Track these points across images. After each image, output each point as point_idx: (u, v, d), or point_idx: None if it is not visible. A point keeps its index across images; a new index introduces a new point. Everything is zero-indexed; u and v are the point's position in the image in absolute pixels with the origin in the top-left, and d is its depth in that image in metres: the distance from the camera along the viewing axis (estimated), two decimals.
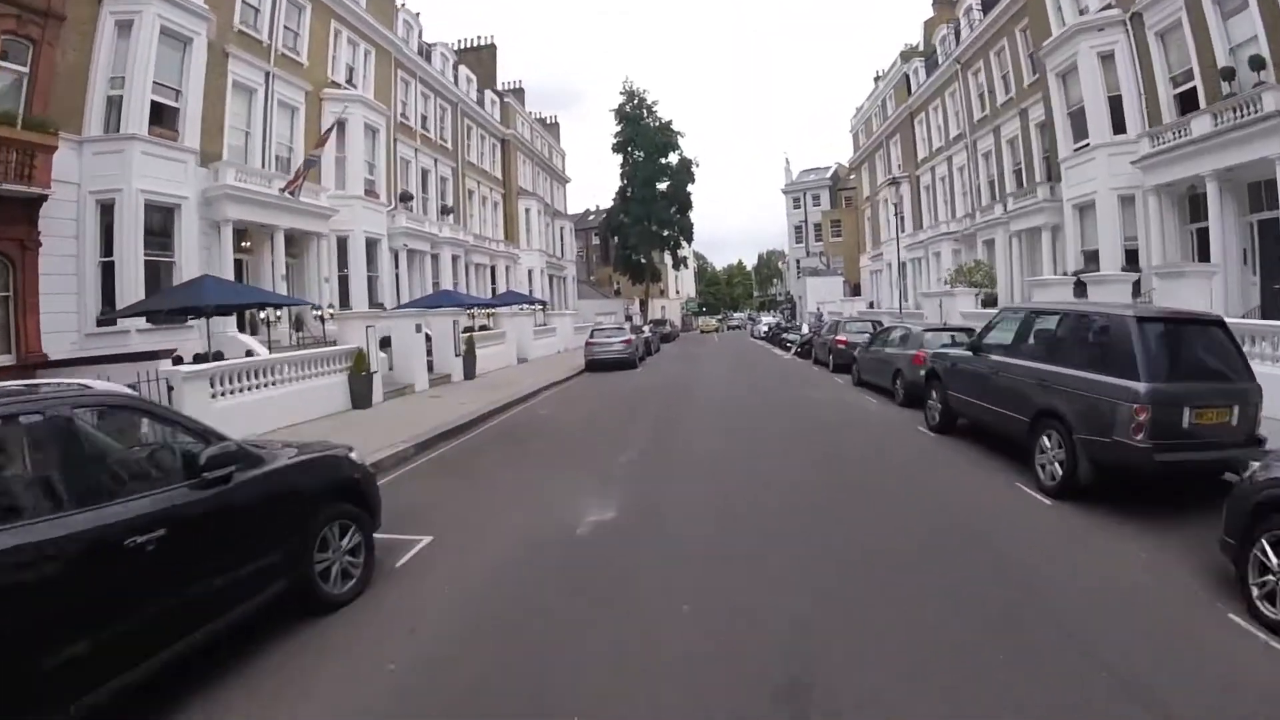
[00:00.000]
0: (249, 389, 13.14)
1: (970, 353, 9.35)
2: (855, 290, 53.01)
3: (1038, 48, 25.16)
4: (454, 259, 33.61)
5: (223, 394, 12.49)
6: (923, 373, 11.91)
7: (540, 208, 46.10)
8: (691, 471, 8.78)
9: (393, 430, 12.07)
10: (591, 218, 57.70)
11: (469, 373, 21.04)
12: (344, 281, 25.73)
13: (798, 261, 62.85)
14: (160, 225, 19.02)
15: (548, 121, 57.77)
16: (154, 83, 18.00)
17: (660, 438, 11.09)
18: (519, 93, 50.02)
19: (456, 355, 20.56)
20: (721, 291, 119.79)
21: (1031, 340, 8.18)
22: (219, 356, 16.20)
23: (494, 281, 38.81)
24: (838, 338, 20.29)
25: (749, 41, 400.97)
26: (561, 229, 53.76)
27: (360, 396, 15.51)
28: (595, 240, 73.26)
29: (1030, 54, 27.59)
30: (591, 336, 24.23)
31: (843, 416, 12.70)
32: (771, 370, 22.96)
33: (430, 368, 20.29)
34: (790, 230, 64.72)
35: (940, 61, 35.93)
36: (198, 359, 14.81)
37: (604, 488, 8.05)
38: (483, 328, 27.76)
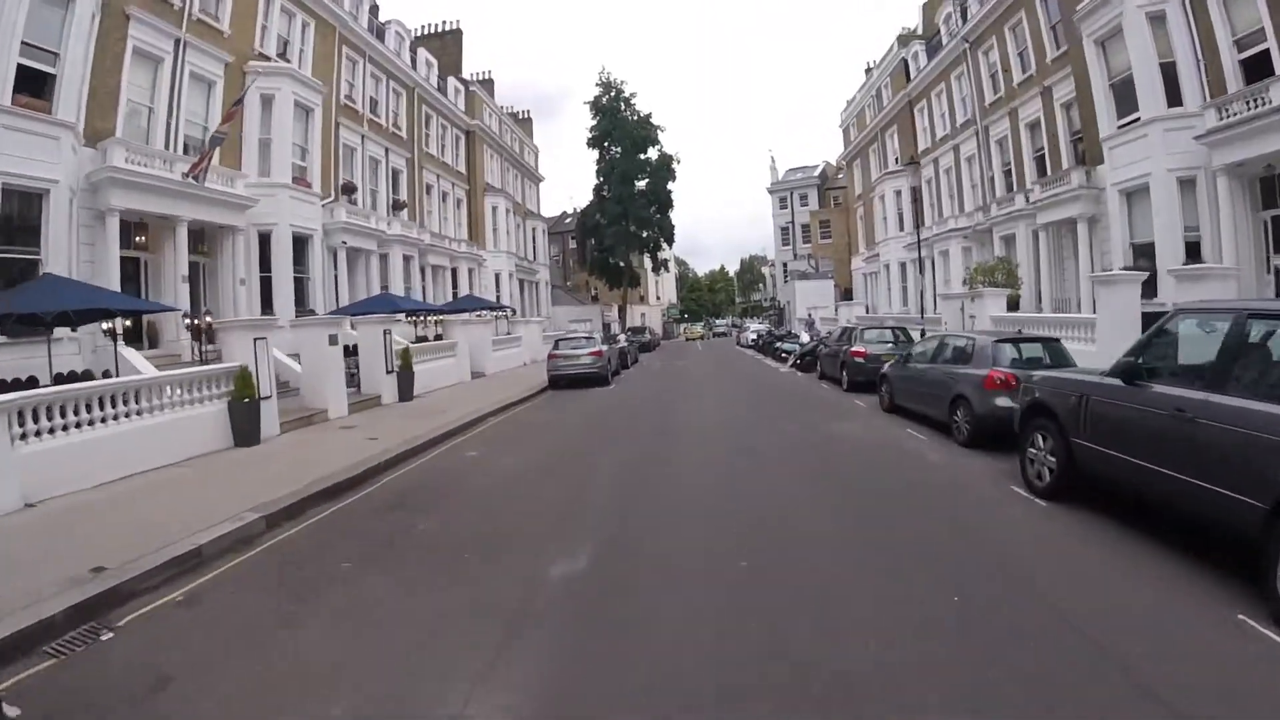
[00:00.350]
0: (83, 425, 9.47)
1: (1121, 380, 5.85)
2: (846, 294, 49.86)
3: (1067, 15, 22.02)
4: (406, 260, 29.88)
5: (39, 434, 8.86)
6: (1007, 402, 8.48)
7: (509, 206, 42.45)
8: (678, 609, 4.74)
9: (260, 484, 8.50)
10: (569, 220, 53.98)
11: (405, 393, 17.38)
12: (266, 284, 21.97)
13: (784, 265, 59.66)
14: (22, 214, 15.35)
15: (520, 116, 54.22)
16: (23, 43, 14.62)
17: (628, 513, 7.31)
18: (488, 84, 46.45)
19: (389, 372, 16.86)
20: (704, 297, 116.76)
21: None
22: (88, 376, 12.61)
23: (455, 285, 35.07)
24: (853, 349, 16.76)
25: (725, 43, 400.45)
26: (534, 230, 50.14)
27: (244, 431, 11.81)
28: (572, 244, 69.60)
29: (1054, 25, 24.49)
30: (556, 347, 20.67)
31: (895, 470, 8.79)
32: (773, 388, 19.20)
33: (357, 387, 16.61)
34: (776, 232, 61.56)
35: (944, 42, 32.83)
36: (60, 380, 11.33)
37: (500, 665, 4.03)
38: (437, 337, 24.10)
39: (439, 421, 13.58)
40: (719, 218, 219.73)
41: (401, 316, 23.77)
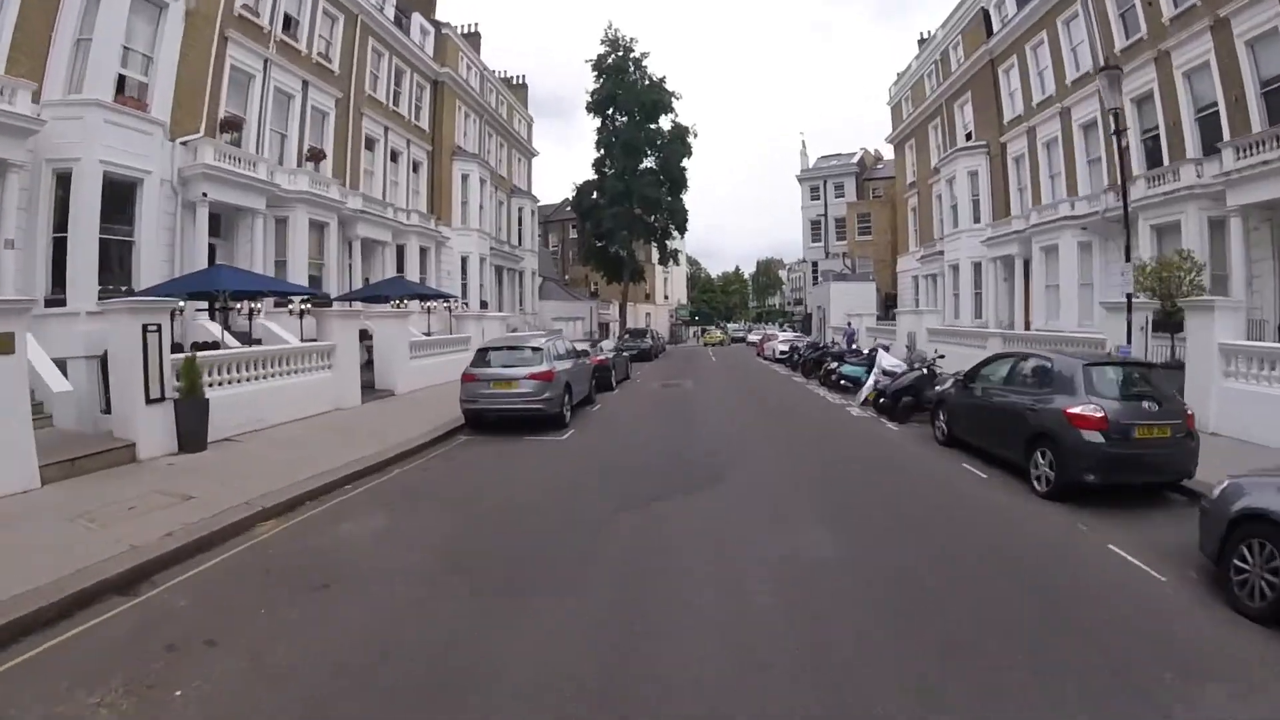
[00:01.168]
0: None
1: None
2: (889, 300, 41.96)
3: None
4: (318, 227, 22.26)
5: None
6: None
7: (486, 176, 34.78)
8: None
9: None
10: (570, 208, 46.27)
11: (192, 435, 9.75)
12: (60, 246, 14.50)
13: (814, 264, 51.74)
14: None
15: (514, 81, 46.52)
16: None
17: None
18: (473, 37, 38.91)
19: (152, 400, 9.24)
20: (716, 299, 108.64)
21: None
22: None
23: (402, 267, 27.42)
24: (1077, 409, 7.87)
25: (735, 34, 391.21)
26: (520, 210, 42.49)
27: None
28: (573, 233, 61.69)
29: None
30: (479, 361, 12.80)
31: None
32: (881, 476, 9.27)
33: (106, 408, 9.03)
34: (805, 225, 53.64)
35: None
36: None
37: None
38: (364, 334, 16.35)
39: (161, 523, 5.94)
40: (732, 220, 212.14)
41: (258, 304, 16.20)
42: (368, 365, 16.38)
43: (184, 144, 17.81)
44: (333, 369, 13.84)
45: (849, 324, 31.93)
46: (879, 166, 55.76)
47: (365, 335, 16.20)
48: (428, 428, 11.86)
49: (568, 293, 51.60)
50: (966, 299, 29.21)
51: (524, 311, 41.18)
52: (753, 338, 59.07)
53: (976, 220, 29.93)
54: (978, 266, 29.40)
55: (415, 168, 30.43)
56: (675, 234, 45.02)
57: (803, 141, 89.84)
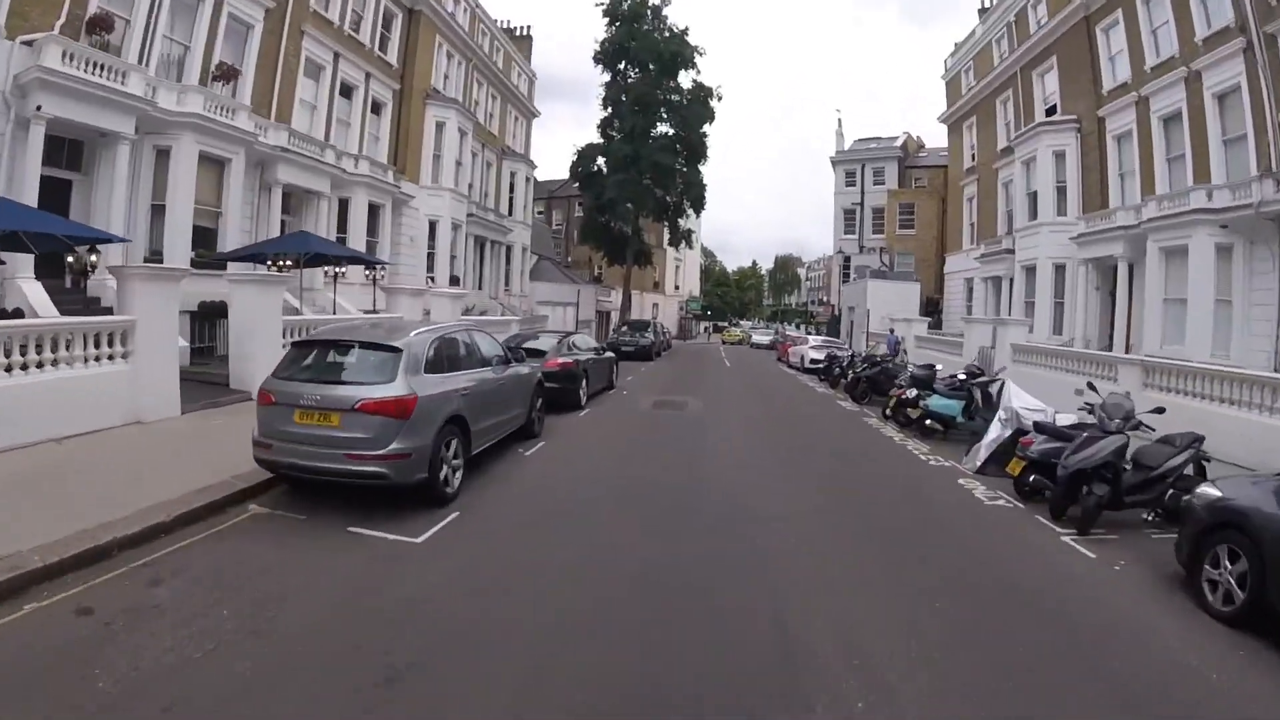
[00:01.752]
0: None
1: None
2: (930, 305, 36.89)
3: None
4: (220, 164, 17.38)
5: None
6: None
7: (468, 129, 29.84)
8: None
9: None
10: (569, 176, 41.06)
11: None
12: None
13: (845, 259, 46.60)
14: None
15: (517, 33, 41.42)
16: None
17: None
18: None
19: None
20: (731, 294, 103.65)
21: None
22: None
23: (345, 227, 22.55)
24: None
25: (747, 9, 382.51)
26: (513, 175, 37.54)
27: None
28: (579, 211, 56.48)
29: None
30: (286, 368, 7.35)
31: None
32: None
33: None
34: (838, 214, 48.36)
35: None
36: None
37: None
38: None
39: None
40: (745, 216, 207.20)
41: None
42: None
43: (26, 44, 13.10)
44: (130, 360, 8.95)
45: (892, 331, 26.91)
46: (921, 154, 50.47)
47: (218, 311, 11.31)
48: (210, 479, 6.93)
49: (565, 274, 46.68)
50: (1044, 309, 24.09)
51: (509, 292, 36.29)
52: (759, 338, 54.14)
53: (1061, 212, 24.80)
54: (1060, 269, 24.32)
55: (376, 108, 25.51)
56: (690, 211, 40.00)
57: (839, 120, 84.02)
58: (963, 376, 11.47)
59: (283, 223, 20.13)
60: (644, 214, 37.95)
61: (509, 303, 34.78)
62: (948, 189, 39.64)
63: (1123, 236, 21.12)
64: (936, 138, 46.52)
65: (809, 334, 36.44)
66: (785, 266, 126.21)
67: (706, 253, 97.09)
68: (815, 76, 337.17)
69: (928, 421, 11.02)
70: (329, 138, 22.53)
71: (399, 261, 25.70)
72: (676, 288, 69.51)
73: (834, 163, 49.48)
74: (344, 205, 22.56)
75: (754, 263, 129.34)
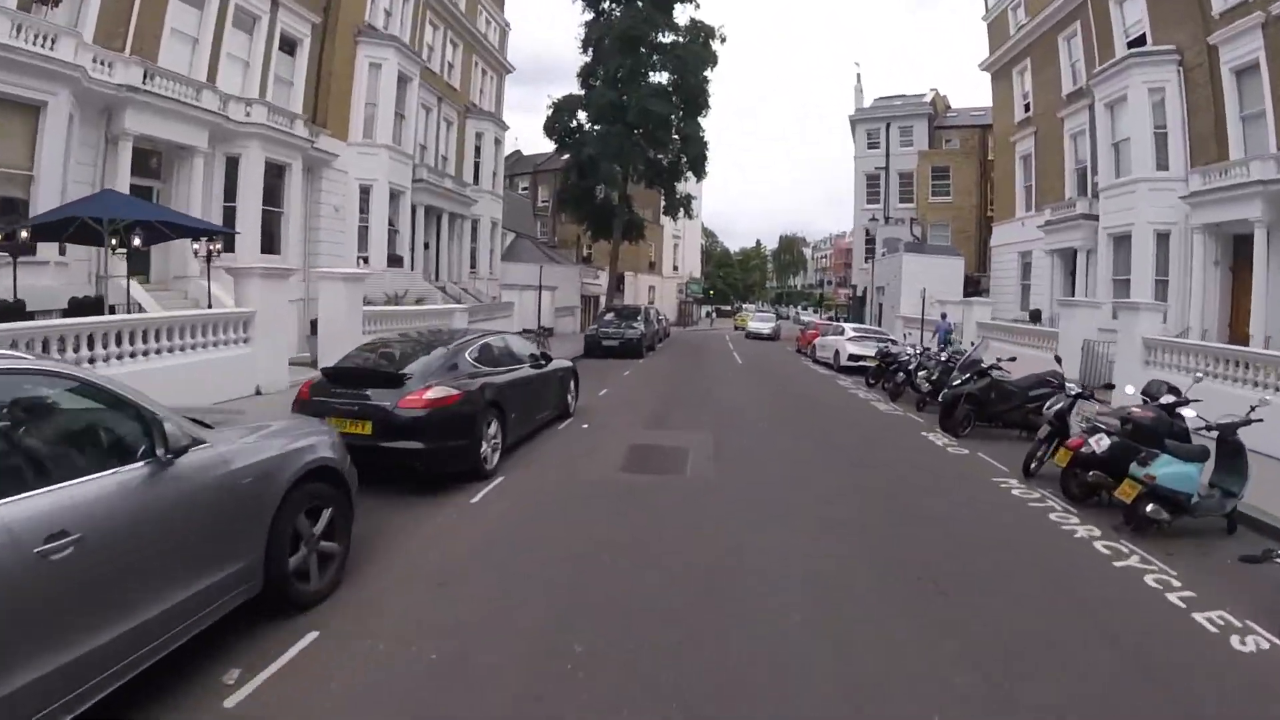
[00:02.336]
0: None
1: None
2: (971, 285, 32.18)
3: None
4: (33, 111, 12.72)
5: None
6: None
7: (414, 75, 24.97)
8: None
9: None
10: (555, 144, 35.79)
11: None
12: None
13: (866, 232, 41.70)
14: None
15: None
16: None
17: None
18: None
19: None
20: (734, 276, 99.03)
21: None
22: None
23: (234, 193, 17.80)
24: None
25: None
26: (480, 138, 32.62)
27: None
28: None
29: None
30: None
31: None
32: None
33: None
34: (859, 182, 43.32)
35: None
36: None
37: None
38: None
39: None
40: (748, 197, 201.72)
41: None
42: None
43: None
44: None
45: (944, 316, 22.16)
46: (950, 114, 45.50)
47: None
48: None
49: (547, 254, 41.82)
50: (1143, 289, 19.22)
51: (475, 275, 31.51)
52: (757, 325, 40.97)
53: (1162, 166, 20.01)
54: (1164, 238, 19.54)
55: (288, 46, 20.62)
56: (689, 174, 34.77)
57: (858, 75, 78.78)
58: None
59: (133, 187, 15.32)
60: (633, 177, 32.95)
61: (474, 287, 30.03)
62: (994, 148, 34.75)
63: (1260, 194, 16.33)
64: (963, 97, 41.64)
65: (835, 320, 31.36)
66: (790, 247, 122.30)
67: (707, 233, 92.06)
68: (820, 42, 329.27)
69: (1150, 508, 6.20)
70: (215, 79, 17.72)
71: (319, 239, 20.97)
72: (675, 268, 64.43)
73: (853, 123, 44.42)
74: (232, 164, 17.75)
75: (758, 242, 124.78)
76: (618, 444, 9.60)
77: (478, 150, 32.63)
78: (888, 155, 41.42)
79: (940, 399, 11.26)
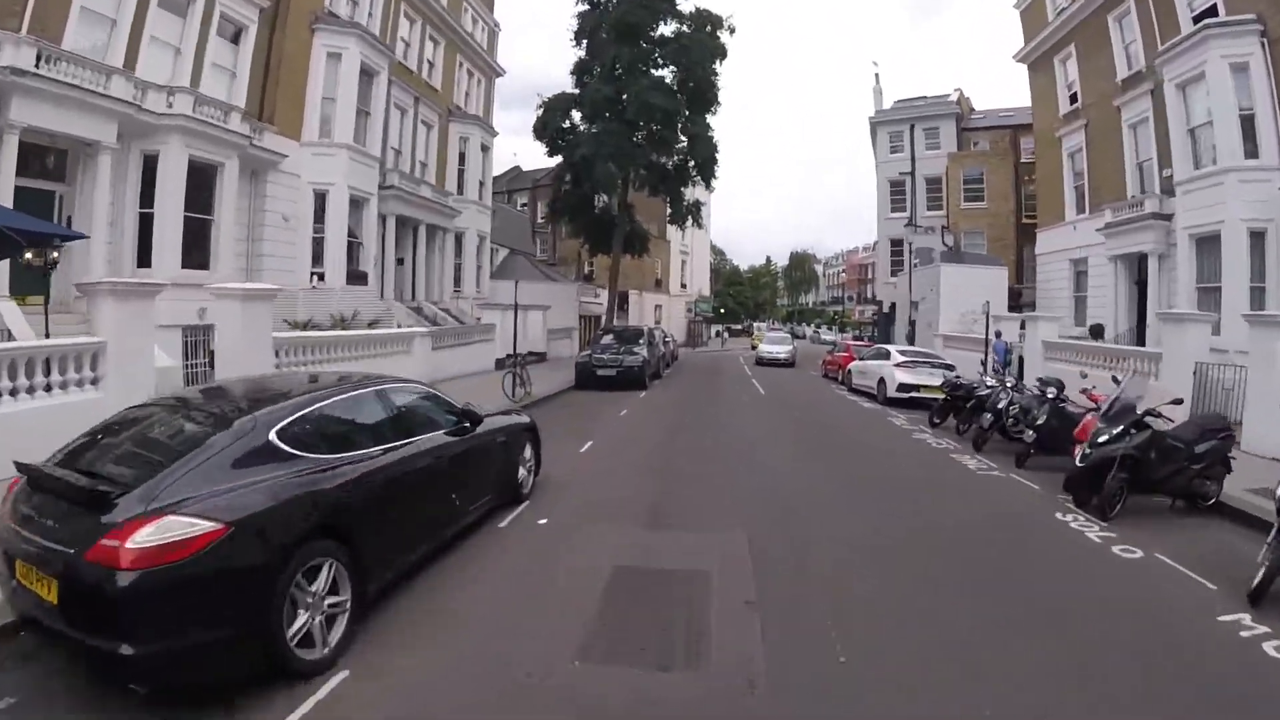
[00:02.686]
0: None
1: None
2: (1012, 297, 29.43)
3: None
4: None
5: None
6: None
7: (382, 68, 22.69)
8: None
9: None
10: (546, 147, 32.99)
11: None
12: None
13: (891, 243, 39.11)
14: None
15: None
16: None
17: None
18: None
19: None
20: (745, 294, 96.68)
21: None
22: None
23: (152, 199, 15.35)
24: None
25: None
26: (465, 143, 30.30)
27: None
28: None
29: None
30: None
31: None
32: None
33: None
34: (881, 189, 40.69)
35: None
36: None
37: None
38: None
39: None
40: (755, 217, 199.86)
41: None
42: None
43: None
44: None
45: (999, 336, 19.40)
46: (975, 116, 42.99)
47: None
48: None
49: (543, 272, 39.38)
50: (1237, 298, 16.45)
51: (459, 294, 29.03)
52: (770, 349, 34.06)
53: (1252, 154, 17.35)
54: (1259, 238, 16.82)
55: (231, 32, 18.29)
56: (696, 179, 31.88)
57: (876, 75, 76.57)
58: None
59: (21, 190, 12.91)
60: (634, 182, 30.32)
61: (457, 307, 27.51)
62: (1034, 147, 32.11)
63: None
64: (988, 98, 39.04)
65: (860, 339, 28.31)
66: (801, 264, 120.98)
67: (716, 251, 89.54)
68: (818, 54, 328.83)
69: None
70: (134, 65, 15.37)
71: (263, 253, 18.54)
72: (684, 286, 61.89)
73: (874, 126, 41.93)
74: (149, 164, 15.33)
75: (768, 259, 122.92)
76: (587, 568, 5.88)
77: (462, 158, 30.28)
78: (913, 160, 38.88)
79: (1080, 461, 7.75)
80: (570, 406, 16.30)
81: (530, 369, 24.79)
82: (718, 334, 68.60)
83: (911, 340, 29.92)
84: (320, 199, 20.06)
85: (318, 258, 19.86)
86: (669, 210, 33.44)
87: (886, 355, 19.93)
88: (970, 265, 28.16)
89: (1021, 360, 19.23)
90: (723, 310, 74.82)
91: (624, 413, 15.17)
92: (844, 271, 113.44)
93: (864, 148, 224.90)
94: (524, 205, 56.26)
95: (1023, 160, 35.30)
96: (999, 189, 35.05)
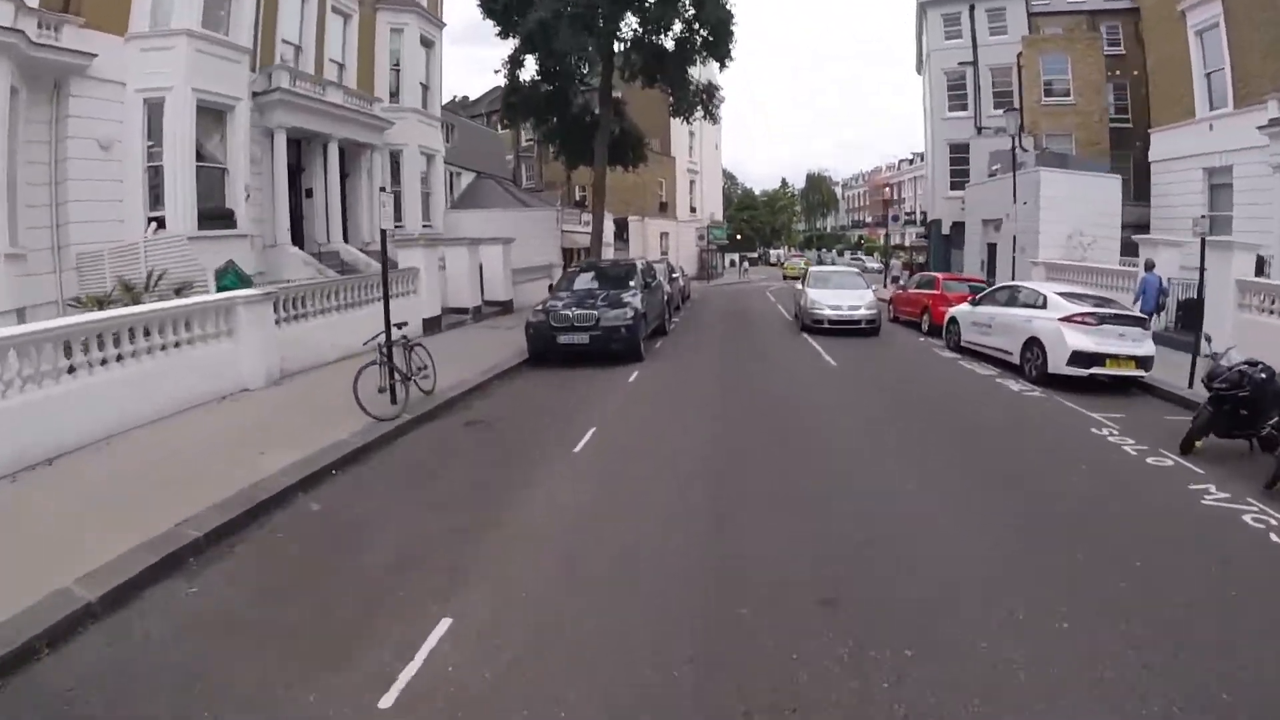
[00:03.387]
0: None
1: None
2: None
3: None
4: None
5: None
6: None
7: None
8: None
9: None
10: (496, 26, 26.46)
11: None
12: None
13: (950, 148, 33.16)
14: None
15: None
16: None
17: None
18: None
19: None
20: (761, 218, 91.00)
21: None
22: None
23: None
24: None
25: None
26: (400, 36, 24.41)
27: None
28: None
29: None
30: None
31: None
32: None
33: None
34: (935, 83, 33.91)
35: None
36: None
37: None
38: None
39: None
40: (761, 133, 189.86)
41: None
42: None
43: None
44: None
45: (1150, 268, 14.10)
46: (1042, 2, 36.24)
47: None
48: None
49: (516, 198, 33.82)
50: None
51: (401, 229, 23.61)
52: (831, 300, 18.85)
53: None
54: None
55: None
56: (705, 56, 24.42)
57: None
58: None
59: None
60: (623, 70, 24.05)
61: (393, 249, 22.14)
62: (1146, 24, 25.98)
63: None
64: None
65: (913, 267, 21.63)
66: (819, 186, 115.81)
67: (726, 175, 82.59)
68: None
69: None
70: None
71: (69, 197, 13.34)
72: (693, 210, 55.50)
73: (922, 6, 35.26)
74: None
75: (783, 181, 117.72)
76: None
77: (398, 58, 24.45)
78: (975, 47, 32.52)
79: None
80: (498, 418, 9.99)
81: (482, 325, 19.15)
82: (734, 264, 62.55)
83: (990, 270, 24.54)
84: (154, 112, 14.58)
85: (155, 195, 14.53)
86: (671, 101, 26.15)
87: (1039, 301, 12.83)
88: (1076, 172, 22.41)
89: (1188, 306, 13.90)
90: (739, 237, 68.59)
91: (592, 434, 9.06)
92: (867, 193, 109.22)
93: (891, 51, 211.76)
94: (503, 124, 49.90)
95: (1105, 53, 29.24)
96: (1088, 81, 28.73)
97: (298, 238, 20.08)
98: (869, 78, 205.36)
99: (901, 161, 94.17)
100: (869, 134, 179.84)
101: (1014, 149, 20.29)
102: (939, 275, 21.06)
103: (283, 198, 18.46)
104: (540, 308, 14.38)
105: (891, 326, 20.31)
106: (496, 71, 23.13)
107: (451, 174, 32.86)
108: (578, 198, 43.41)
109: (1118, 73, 29.42)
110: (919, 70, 46.76)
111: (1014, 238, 20.74)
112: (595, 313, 13.85)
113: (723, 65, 24.32)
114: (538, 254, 27.28)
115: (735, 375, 13.50)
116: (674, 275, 25.84)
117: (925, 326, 18.75)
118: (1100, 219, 21.34)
